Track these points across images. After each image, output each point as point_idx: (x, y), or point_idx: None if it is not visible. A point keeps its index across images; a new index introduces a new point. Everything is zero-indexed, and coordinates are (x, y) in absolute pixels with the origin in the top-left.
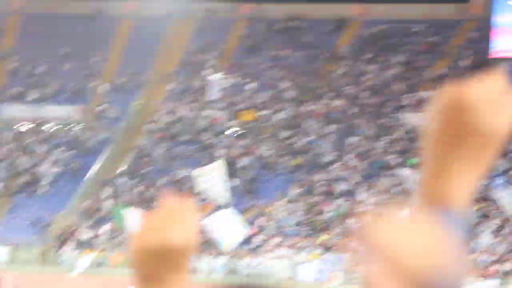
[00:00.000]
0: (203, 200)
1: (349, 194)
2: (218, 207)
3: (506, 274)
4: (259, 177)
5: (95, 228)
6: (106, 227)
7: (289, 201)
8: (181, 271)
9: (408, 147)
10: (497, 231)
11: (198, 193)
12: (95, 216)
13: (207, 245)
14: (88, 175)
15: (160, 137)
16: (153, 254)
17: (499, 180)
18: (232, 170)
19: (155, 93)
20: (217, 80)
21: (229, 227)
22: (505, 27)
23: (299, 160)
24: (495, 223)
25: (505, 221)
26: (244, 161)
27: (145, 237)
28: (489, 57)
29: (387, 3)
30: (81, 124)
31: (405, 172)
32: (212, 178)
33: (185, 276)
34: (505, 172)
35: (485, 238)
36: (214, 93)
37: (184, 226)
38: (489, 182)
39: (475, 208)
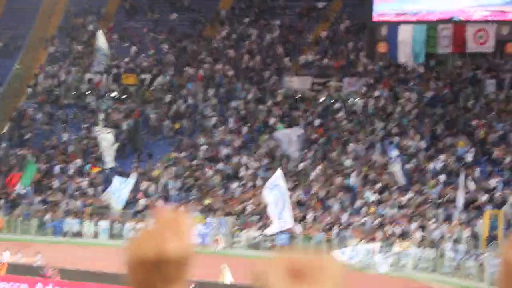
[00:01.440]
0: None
1: (231, 158)
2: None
3: (389, 237)
4: (143, 140)
5: None
6: None
7: (173, 165)
8: (177, 282)
9: (289, 110)
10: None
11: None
12: None
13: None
14: None
15: (42, 100)
16: (150, 266)
17: (393, 152)
18: (116, 134)
19: (35, 56)
20: (102, 49)
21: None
22: None
23: (181, 124)
24: (378, 187)
25: (387, 186)
26: (127, 124)
27: (141, 248)
28: (371, 20)
29: None
30: None
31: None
32: (102, 142)
33: (182, 287)
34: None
35: (371, 200)
36: (99, 63)
37: (180, 238)
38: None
39: (362, 172)
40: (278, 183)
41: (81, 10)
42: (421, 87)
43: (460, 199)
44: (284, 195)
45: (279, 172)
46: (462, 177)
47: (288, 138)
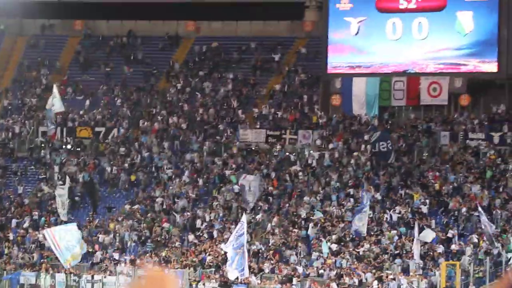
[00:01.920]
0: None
1: (187, 210)
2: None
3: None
4: (99, 193)
5: None
6: None
7: (129, 217)
8: None
9: (243, 162)
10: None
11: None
12: None
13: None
14: None
15: None
16: None
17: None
18: (72, 186)
19: None
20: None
21: (70, 242)
22: (338, 44)
23: (137, 176)
24: (334, 239)
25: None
26: (82, 177)
27: None
28: (325, 72)
29: (221, 20)
30: None
31: (238, 187)
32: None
33: None
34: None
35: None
36: (50, 120)
37: None
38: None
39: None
40: (244, 231)
41: (35, 63)
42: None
43: (417, 251)
44: (245, 244)
45: (244, 219)
46: (417, 228)
47: (248, 186)
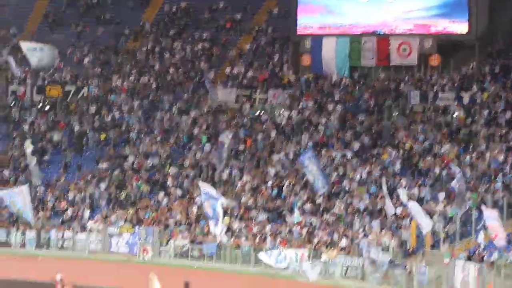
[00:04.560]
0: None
1: (157, 168)
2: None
3: (317, 245)
4: (69, 151)
5: None
6: None
7: (100, 175)
8: None
9: (213, 122)
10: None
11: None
12: None
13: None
14: None
15: None
16: None
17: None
18: (42, 146)
19: None
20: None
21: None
22: (308, 4)
23: (107, 135)
24: (305, 197)
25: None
26: (53, 136)
27: None
28: (295, 33)
29: None
30: None
31: (209, 147)
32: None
33: None
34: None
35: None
36: (16, 70)
37: None
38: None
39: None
40: (212, 194)
41: (5, 22)
42: (346, 99)
43: (389, 208)
44: (219, 205)
45: (205, 185)
46: (384, 187)
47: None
